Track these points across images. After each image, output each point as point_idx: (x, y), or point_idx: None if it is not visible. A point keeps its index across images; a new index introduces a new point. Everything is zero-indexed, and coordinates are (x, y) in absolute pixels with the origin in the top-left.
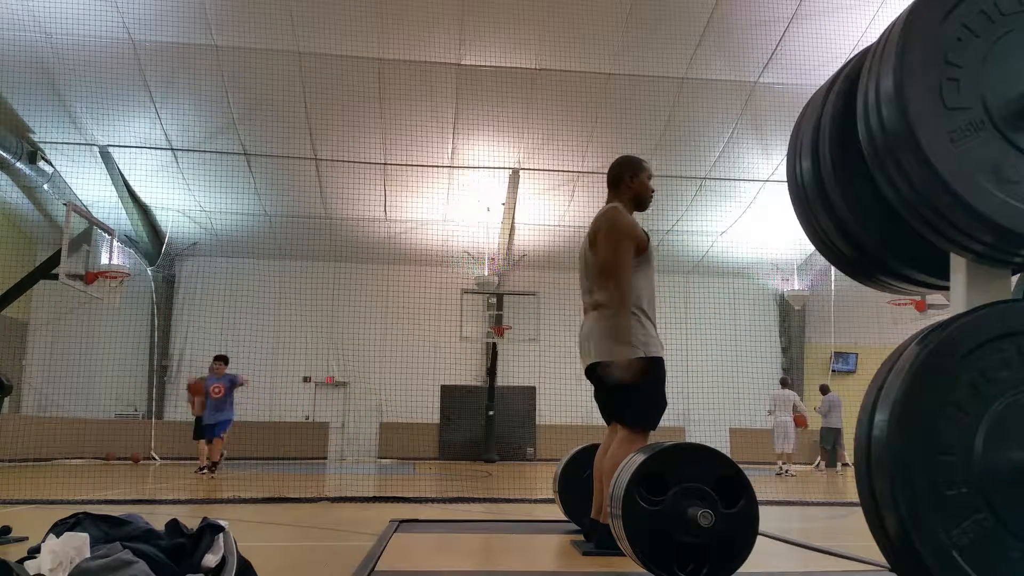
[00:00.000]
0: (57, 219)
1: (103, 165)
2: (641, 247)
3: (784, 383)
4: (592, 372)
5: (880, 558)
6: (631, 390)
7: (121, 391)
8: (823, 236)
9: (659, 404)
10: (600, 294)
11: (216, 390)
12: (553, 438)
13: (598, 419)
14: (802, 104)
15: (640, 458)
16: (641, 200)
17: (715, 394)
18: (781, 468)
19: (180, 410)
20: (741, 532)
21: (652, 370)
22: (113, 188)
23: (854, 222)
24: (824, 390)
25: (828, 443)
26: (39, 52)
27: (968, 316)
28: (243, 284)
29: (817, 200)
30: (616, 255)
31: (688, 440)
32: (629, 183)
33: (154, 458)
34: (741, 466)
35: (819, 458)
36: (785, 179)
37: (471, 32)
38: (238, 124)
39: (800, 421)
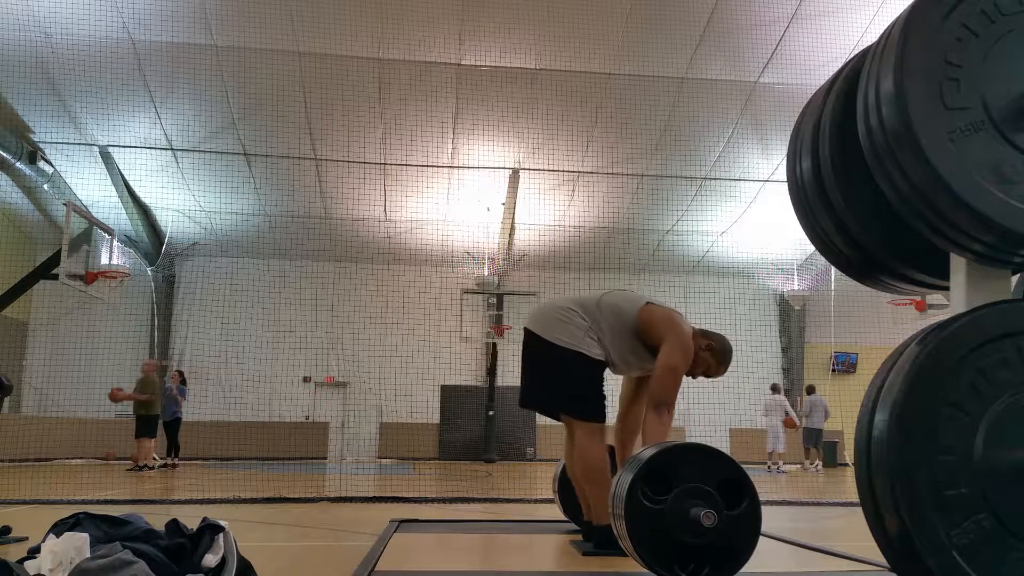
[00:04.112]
0: (57, 219)
1: (103, 165)
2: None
3: (775, 389)
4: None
5: (880, 558)
6: (560, 380)
7: None
8: (823, 236)
9: (590, 396)
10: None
11: None
12: (553, 438)
13: None
14: (802, 104)
15: (644, 457)
16: (691, 365)
17: (715, 394)
18: (771, 467)
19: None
20: (743, 534)
21: (578, 363)
22: (113, 188)
23: (854, 222)
24: (810, 390)
25: (810, 443)
26: (39, 52)
27: (968, 316)
28: (243, 284)
29: (817, 200)
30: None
31: (688, 440)
32: (701, 348)
33: (154, 458)
34: (741, 466)
35: (813, 459)
36: (785, 179)
37: (471, 32)
38: (238, 124)
39: (789, 423)
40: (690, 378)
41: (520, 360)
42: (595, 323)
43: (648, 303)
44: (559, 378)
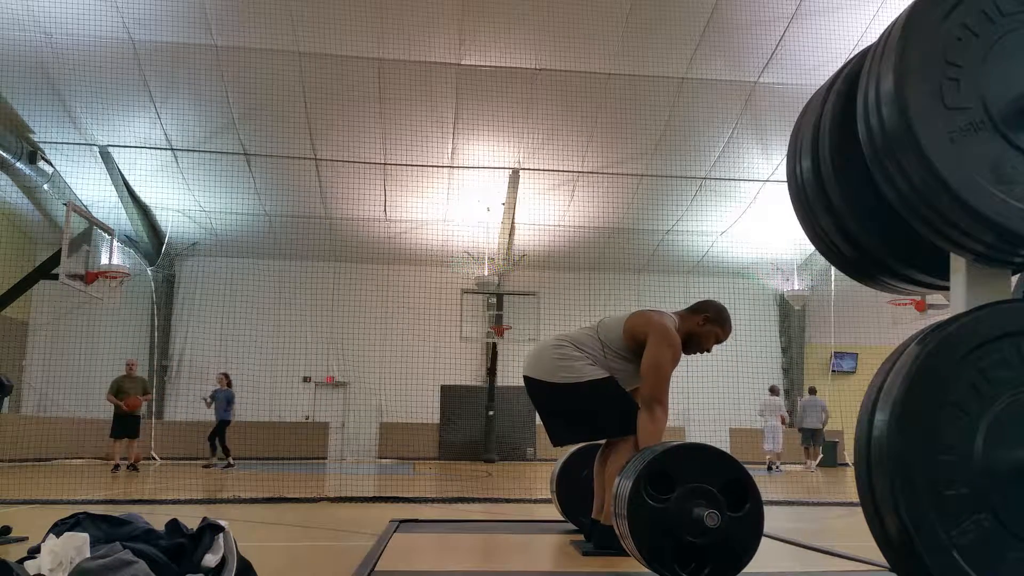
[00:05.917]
0: (57, 219)
1: (103, 165)
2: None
3: (773, 391)
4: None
5: (880, 558)
6: (591, 415)
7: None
8: (823, 236)
9: (626, 411)
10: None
11: None
12: None
13: None
14: (802, 104)
15: (647, 456)
16: (692, 342)
17: (715, 394)
18: (771, 467)
19: (180, 410)
20: (745, 536)
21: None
22: (113, 188)
23: (854, 222)
24: (811, 391)
25: (806, 442)
26: (39, 52)
27: (968, 316)
28: (243, 284)
29: (817, 200)
30: (661, 367)
31: (688, 440)
32: (700, 324)
33: (154, 458)
34: (745, 468)
35: (812, 456)
36: (785, 179)
37: (471, 32)
38: (238, 124)
39: (785, 422)
40: (707, 353)
41: (531, 401)
42: (592, 350)
43: (627, 318)
44: (588, 413)
